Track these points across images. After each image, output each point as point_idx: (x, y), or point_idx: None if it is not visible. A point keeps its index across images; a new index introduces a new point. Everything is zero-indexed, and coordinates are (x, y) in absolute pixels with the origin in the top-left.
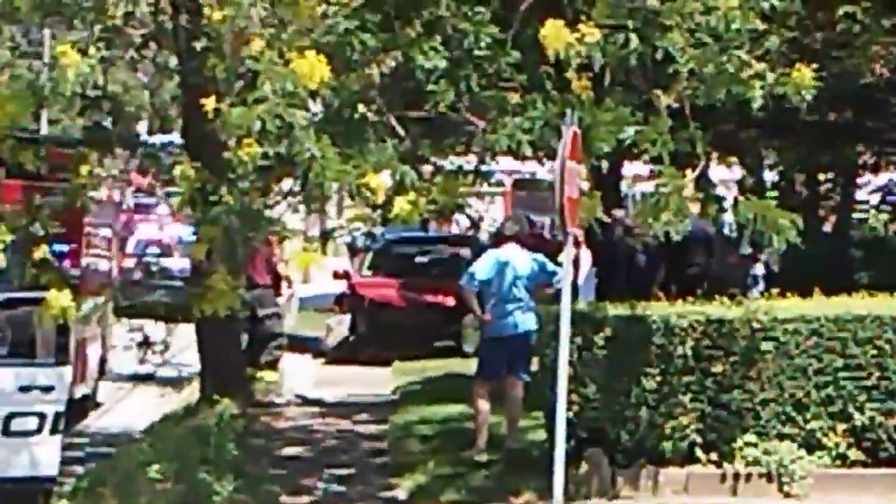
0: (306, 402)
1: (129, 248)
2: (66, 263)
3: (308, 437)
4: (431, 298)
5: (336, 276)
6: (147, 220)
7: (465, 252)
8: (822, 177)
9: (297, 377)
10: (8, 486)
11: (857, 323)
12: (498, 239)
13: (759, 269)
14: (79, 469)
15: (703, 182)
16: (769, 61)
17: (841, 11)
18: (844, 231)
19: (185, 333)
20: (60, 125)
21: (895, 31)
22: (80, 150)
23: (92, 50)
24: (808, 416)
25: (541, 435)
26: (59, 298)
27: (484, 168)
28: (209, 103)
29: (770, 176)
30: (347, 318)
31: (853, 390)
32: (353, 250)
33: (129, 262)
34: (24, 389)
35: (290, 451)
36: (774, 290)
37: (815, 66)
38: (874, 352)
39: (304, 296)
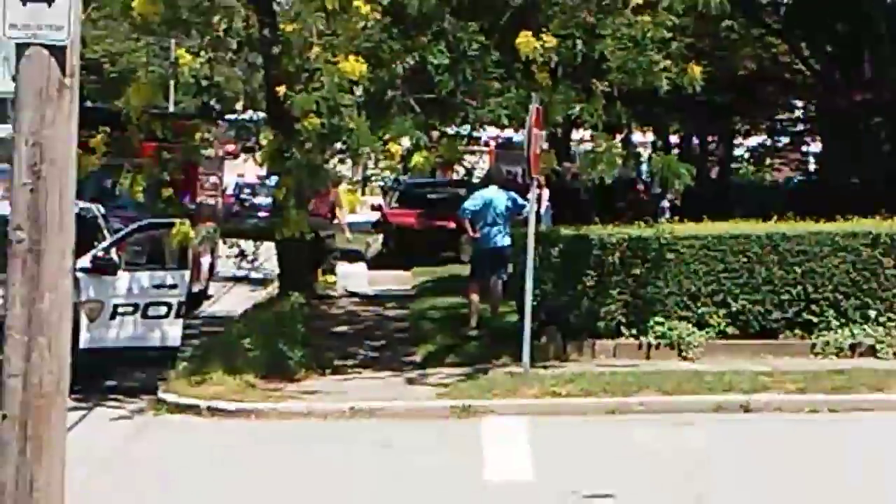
0: (352, 295)
1: (229, 190)
2: (186, 200)
3: (353, 319)
4: (438, 223)
5: (373, 208)
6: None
7: (462, 192)
8: (709, 139)
9: (349, 276)
10: (147, 352)
11: (733, 240)
12: (484, 182)
13: (665, 203)
14: (195, 342)
15: (627, 143)
16: (672, 59)
17: (723, 24)
18: (725, 177)
19: (268, 248)
20: (182, 105)
21: (760, 38)
22: (194, 122)
23: (202, 53)
24: (699, 304)
25: (514, 318)
26: (183, 228)
27: (475, 134)
28: (283, 90)
29: (673, 139)
30: (381, 237)
31: (731, 286)
32: (384, 190)
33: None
34: (157, 287)
35: (340, 329)
36: (676, 218)
37: (704, 62)
38: (745, 260)
39: (351, 221)
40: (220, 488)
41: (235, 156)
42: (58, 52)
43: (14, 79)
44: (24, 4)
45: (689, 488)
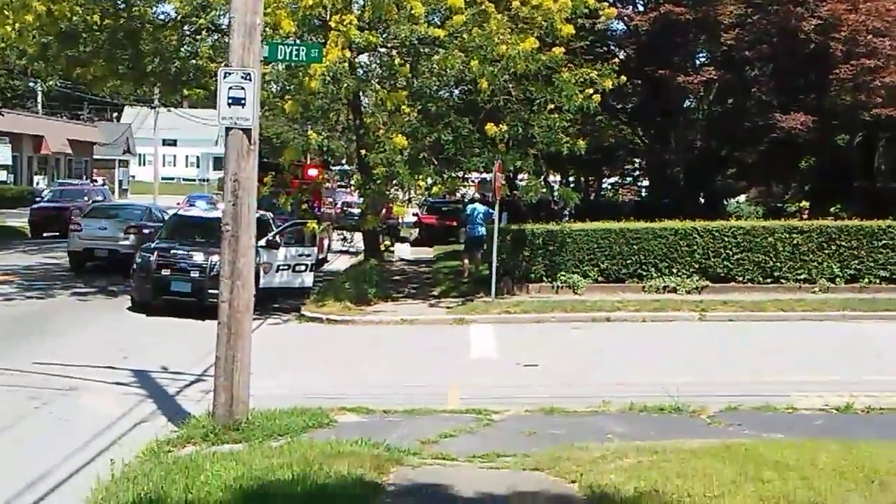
0: (403, 260)
1: (338, 204)
2: (315, 210)
3: (402, 272)
4: (447, 223)
5: (414, 214)
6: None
7: (460, 206)
8: (590, 179)
9: (400, 251)
10: (294, 290)
11: (602, 231)
12: (471, 201)
13: (566, 213)
14: (319, 284)
15: (545, 181)
16: (569, 136)
17: (597, 118)
18: (598, 199)
19: (358, 235)
20: (312, 159)
21: (616, 125)
22: (319, 168)
23: (323, 132)
24: (584, 265)
25: (487, 272)
26: (312, 224)
27: (466, 176)
28: (365, 153)
29: (571, 178)
30: (417, 229)
31: (600, 255)
32: (419, 205)
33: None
34: (299, 255)
35: (395, 277)
36: (572, 220)
37: (586, 138)
38: (608, 242)
39: (403, 221)
40: (332, 351)
41: (338, 188)
42: (247, 131)
43: (225, 145)
44: (230, 107)
45: (577, 357)
